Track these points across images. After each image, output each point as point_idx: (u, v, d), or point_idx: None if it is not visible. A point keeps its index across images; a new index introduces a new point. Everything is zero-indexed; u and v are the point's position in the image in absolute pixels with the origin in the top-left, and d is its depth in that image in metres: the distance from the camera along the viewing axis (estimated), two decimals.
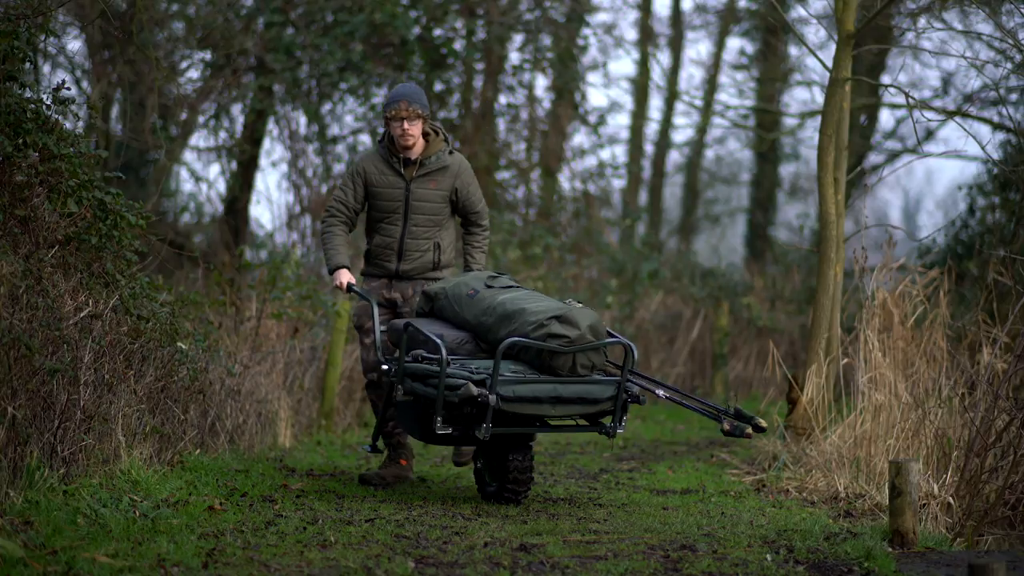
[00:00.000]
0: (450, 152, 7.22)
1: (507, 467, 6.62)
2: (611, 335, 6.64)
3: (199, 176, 15.40)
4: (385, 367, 6.71)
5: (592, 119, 16.18)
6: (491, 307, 6.63)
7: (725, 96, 32.48)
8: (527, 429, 6.58)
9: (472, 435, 6.54)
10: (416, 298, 7.17)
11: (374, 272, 7.31)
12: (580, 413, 6.57)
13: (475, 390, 6.25)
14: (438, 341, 6.41)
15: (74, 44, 14.31)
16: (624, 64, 60.32)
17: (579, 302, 6.77)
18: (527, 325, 6.42)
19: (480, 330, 6.64)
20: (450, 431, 6.46)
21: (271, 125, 15.49)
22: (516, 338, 6.36)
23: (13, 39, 6.40)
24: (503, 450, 6.64)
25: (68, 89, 6.77)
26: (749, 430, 6.56)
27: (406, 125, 7.06)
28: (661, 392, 6.76)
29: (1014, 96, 12.86)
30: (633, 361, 6.56)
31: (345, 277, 7.14)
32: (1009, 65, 12.28)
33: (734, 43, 38.32)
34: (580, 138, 31.69)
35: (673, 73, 20.29)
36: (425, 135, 7.20)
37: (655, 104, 25.67)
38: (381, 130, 7.52)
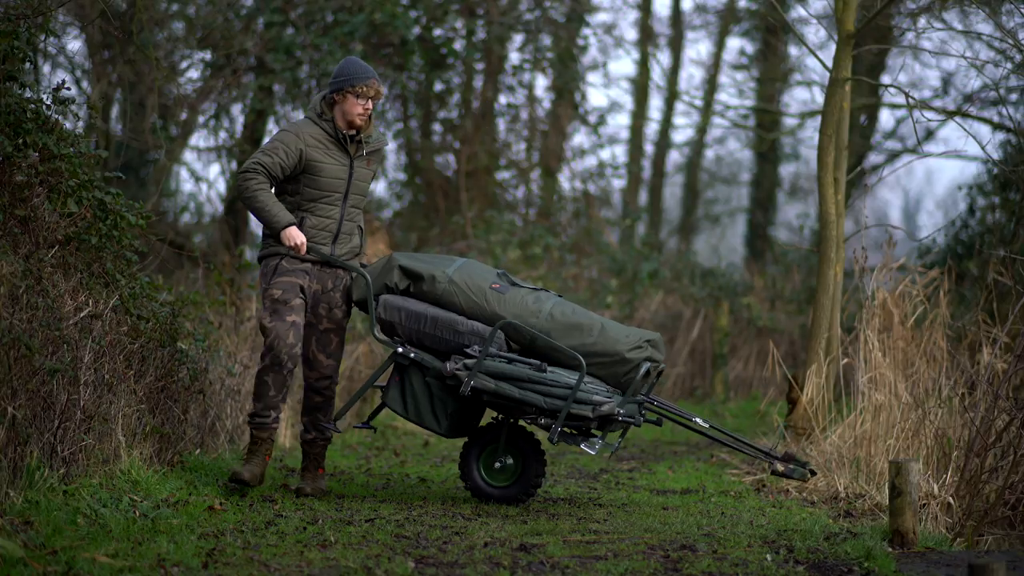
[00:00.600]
0: (383, 132, 6.75)
1: (527, 471, 6.66)
2: None
3: (199, 176, 15.41)
4: (401, 350, 6.55)
5: (592, 119, 16.18)
6: (542, 312, 6.56)
7: (725, 96, 32.44)
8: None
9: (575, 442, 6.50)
10: (336, 293, 6.73)
11: (300, 256, 6.65)
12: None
13: (620, 409, 6.34)
14: (578, 356, 6.36)
15: (74, 44, 14.32)
16: (624, 64, 60.32)
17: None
18: (618, 344, 6.46)
19: (522, 333, 6.51)
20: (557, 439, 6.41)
21: (271, 125, 15.49)
22: (654, 362, 6.49)
23: (13, 39, 6.39)
24: (527, 456, 6.68)
25: (68, 89, 6.77)
26: (809, 475, 6.57)
27: (369, 104, 6.65)
28: (699, 420, 6.72)
29: (1014, 96, 12.86)
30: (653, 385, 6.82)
31: (302, 236, 6.54)
32: (1009, 65, 12.27)
33: (734, 43, 38.26)
34: (580, 138, 31.72)
35: (673, 73, 20.28)
36: None
37: (655, 104, 25.67)
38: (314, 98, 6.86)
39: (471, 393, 6.41)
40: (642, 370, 6.43)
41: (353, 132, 6.70)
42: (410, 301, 6.60)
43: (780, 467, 6.58)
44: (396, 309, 6.58)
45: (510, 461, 6.66)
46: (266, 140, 7.04)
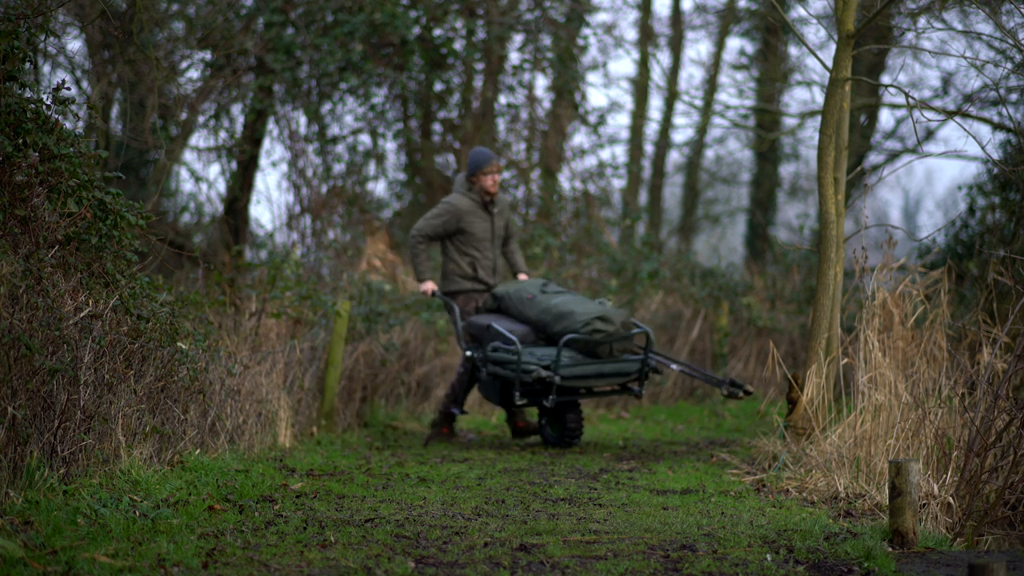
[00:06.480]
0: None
1: (565, 422, 9.29)
2: (637, 325, 9.29)
3: (199, 176, 15.40)
4: (468, 353, 9.30)
5: (592, 119, 16.16)
6: (547, 308, 9.18)
7: (725, 96, 32.46)
8: (577, 396, 9.20)
9: (539, 402, 9.10)
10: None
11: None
12: (617, 383, 9.29)
13: (544, 373, 8.84)
14: (513, 337, 9.01)
15: (74, 44, 14.32)
16: (624, 64, 60.38)
17: (609, 300, 9.31)
18: (577, 323, 9.01)
19: (539, 325, 9.22)
20: (526, 401, 9.08)
21: (271, 125, 15.49)
22: (571, 335, 8.98)
23: (13, 39, 6.39)
24: (561, 411, 9.31)
25: (68, 89, 6.76)
26: (741, 394, 9.00)
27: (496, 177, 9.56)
28: (675, 366, 9.36)
29: (1014, 96, 12.86)
30: (652, 343, 9.24)
31: (431, 286, 9.62)
32: (1009, 65, 12.28)
33: (734, 43, 38.28)
34: (580, 138, 31.73)
35: (673, 73, 20.28)
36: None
37: (655, 104, 25.68)
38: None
39: (490, 377, 9.22)
40: (595, 339, 8.99)
41: (492, 198, 9.66)
42: (483, 316, 9.34)
43: (725, 391, 9.02)
44: (475, 327, 9.33)
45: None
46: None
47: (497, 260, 9.75)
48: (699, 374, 9.31)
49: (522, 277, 9.89)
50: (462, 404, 9.65)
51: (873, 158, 19.80)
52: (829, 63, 8.49)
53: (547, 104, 15.83)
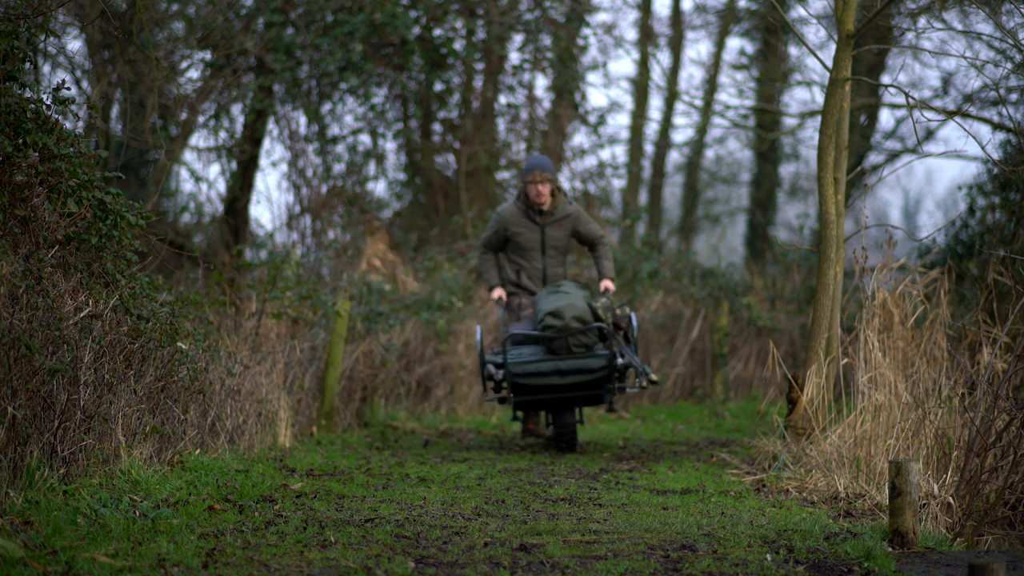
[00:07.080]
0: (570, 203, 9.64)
1: (558, 425, 9.19)
2: (597, 318, 8.99)
3: (199, 176, 15.40)
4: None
5: (592, 119, 16.16)
6: (536, 309, 9.28)
7: (725, 96, 32.47)
8: (546, 395, 8.99)
9: (506, 400, 9.16)
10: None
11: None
12: (583, 381, 9.00)
13: (493, 370, 9.01)
14: (478, 339, 9.36)
15: (74, 44, 14.33)
16: (624, 64, 60.39)
17: (604, 299, 9.12)
18: (536, 320, 9.11)
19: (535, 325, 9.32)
20: (496, 401, 9.24)
21: (271, 125, 15.49)
22: (514, 331, 9.15)
23: (13, 39, 6.39)
24: (557, 416, 9.19)
25: (68, 89, 6.76)
26: (645, 382, 8.89)
27: (541, 187, 9.52)
28: (620, 360, 9.01)
29: (1014, 96, 12.86)
30: (608, 338, 9.01)
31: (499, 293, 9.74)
32: (1009, 65, 12.28)
33: (734, 43, 38.28)
34: (580, 138, 31.69)
35: (673, 73, 20.28)
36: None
37: (655, 104, 25.66)
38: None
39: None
40: (547, 335, 8.94)
41: (540, 207, 9.60)
42: (515, 324, 9.47)
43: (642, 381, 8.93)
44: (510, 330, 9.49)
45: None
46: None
47: (548, 269, 9.68)
48: (634, 362, 9.10)
49: (604, 284, 9.70)
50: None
51: (873, 158, 19.81)
52: (829, 63, 8.48)
53: (547, 104, 15.84)
